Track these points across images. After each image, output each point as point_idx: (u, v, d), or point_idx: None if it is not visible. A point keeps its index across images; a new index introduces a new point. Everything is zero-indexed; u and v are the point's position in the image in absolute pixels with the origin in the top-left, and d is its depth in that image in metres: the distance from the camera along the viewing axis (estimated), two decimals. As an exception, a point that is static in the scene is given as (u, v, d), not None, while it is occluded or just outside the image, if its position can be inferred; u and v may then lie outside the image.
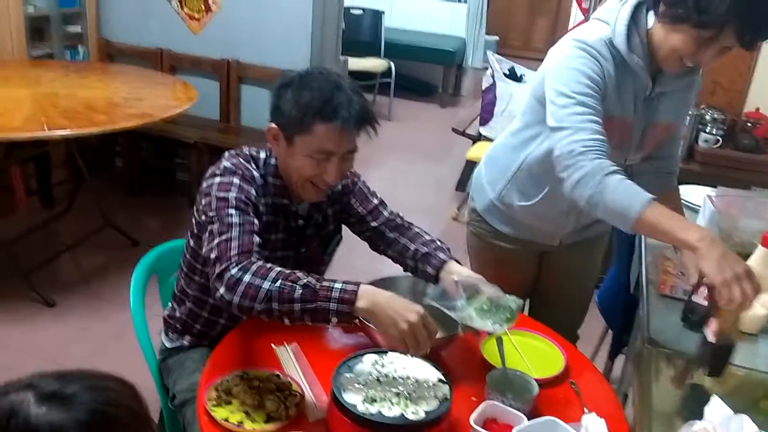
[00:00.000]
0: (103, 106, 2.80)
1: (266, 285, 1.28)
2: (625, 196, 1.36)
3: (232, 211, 1.40)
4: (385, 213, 1.68)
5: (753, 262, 1.30)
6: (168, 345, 1.69)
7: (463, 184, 4.48)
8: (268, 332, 1.52)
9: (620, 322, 2.07)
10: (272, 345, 1.49)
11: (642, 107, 1.58)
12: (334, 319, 1.27)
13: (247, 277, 1.29)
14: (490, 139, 3.96)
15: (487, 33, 7.11)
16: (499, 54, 5.03)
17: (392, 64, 5.83)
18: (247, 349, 1.49)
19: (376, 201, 1.69)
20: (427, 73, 6.51)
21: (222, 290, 1.30)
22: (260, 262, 1.33)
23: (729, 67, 3.12)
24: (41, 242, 3.30)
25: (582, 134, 1.42)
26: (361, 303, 1.26)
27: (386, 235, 1.66)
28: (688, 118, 1.85)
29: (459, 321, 1.41)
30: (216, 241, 1.36)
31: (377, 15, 5.86)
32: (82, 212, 3.47)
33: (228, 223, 1.38)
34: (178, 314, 1.67)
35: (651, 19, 1.49)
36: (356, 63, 5.58)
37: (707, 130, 2.92)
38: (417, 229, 1.67)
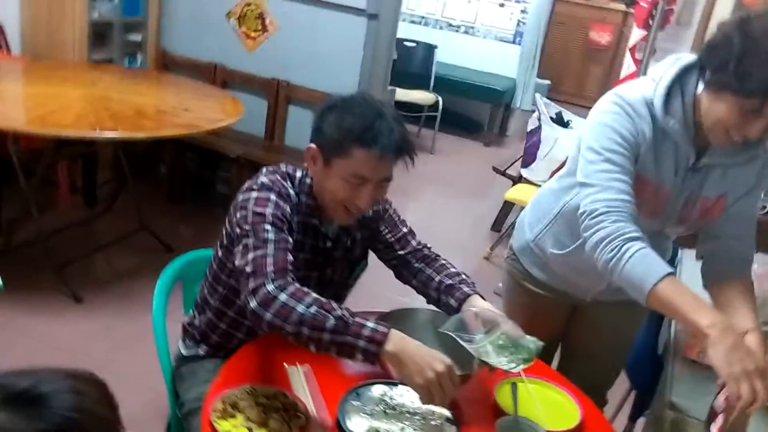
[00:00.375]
0: (152, 113, 2.88)
1: (300, 309, 1.28)
2: (642, 266, 1.31)
3: (268, 227, 1.41)
4: (413, 242, 1.68)
5: None
6: (184, 352, 1.70)
7: (499, 224, 4.43)
8: (282, 351, 1.51)
9: (645, 383, 2.00)
10: (285, 364, 1.48)
11: (684, 177, 1.49)
12: (360, 357, 1.26)
13: (283, 297, 1.29)
14: (530, 182, 3.92)
15: (540, 76, 7.11)
16: (550, 98, 5.00)
17: (440, 99, 5.87)
18: (259, 364, 1.48)
19: (405, 230, 1.69)
20: (475, 111, 6.53)
21: (254, 305, 1.30)
22: (297, 284, 1.34)
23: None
24: (78, 239, 3.38)
25: (607, 193, 1.38)
26: (389, 346, 1.25)
27: (412, 265, 1.66)
28: (759, 197, 1.56)
29: (474, 354, 1.38)
30: (251, 256, 1.37)
31: (430, 49, 5.92)
32: (122, 214, 3.55)
33: (264, 238, 1.39)
34: (197, 323, 1.67)
35: (700, 85, 1.41)
36: (404, 94, 5.63)
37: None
38: (444, 261, 1.66)
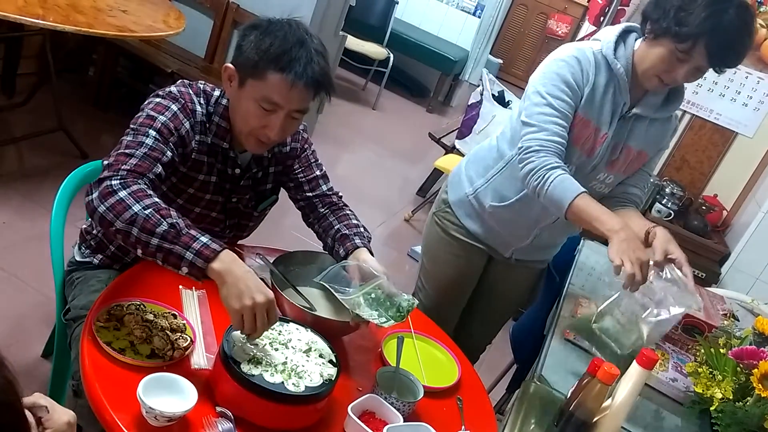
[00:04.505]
0: (86, 8, 2.71)
1: (136, 208, 1.24)
2: (562, 188, 1.57)
3: (152, 132, 1.38)
4: (324, 187, 1.68)
5: (625, 377, 1.26)
6: (78, 257, 1.66)
7: (425, 189, 4.49)
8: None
9: (526, 358, 2.11)
10: (180, 286, 1.47)
11: (617, 124, 1.72)
12: (185, 269, 1.22)
13: (122, 193, 1.26)
14: (461, 153, 3.98)
15: (493, 54, 7.15)
16: (499, 78, 5.02)
17: (392, 56, 5.82)
18: (153, 282, 1.46)
19: (318, 172, 1.69)
20: (424, 75, 6.51)
21: (94, 195, 1.27)
22: (143, 186, 1.29)
23: (701, 148, 3.20)
24: (-11, 127, 3.19)
25: (543, 134, 1.62)
26: (216, 264, 1.21)
27: (318, 209, 1.67)
28: (659, 157, 1.95)
29: (346, 305, 1.41)
30: (118, 151, 1.35)
31: (391, 3, 5.82)
32: (41, 110, 3.36)
33: (140, 141, 1.36)
34: (94, 231, 1.63)
35: (637, 43, 1.68)
36: (356, 44, 5.54)
37: (663, 202, 2.99)
38: (348, 212, 1.67)
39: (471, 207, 1.90)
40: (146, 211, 1.23)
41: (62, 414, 0.95)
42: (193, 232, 1.23)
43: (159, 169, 1.36)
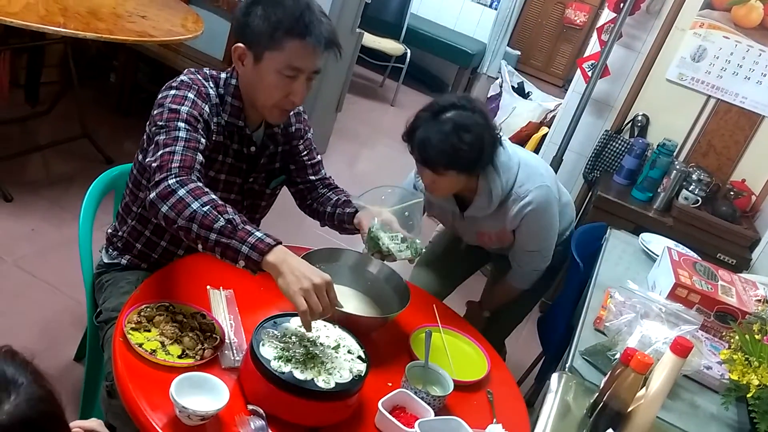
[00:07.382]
0: (106, 15, 2.74)
1: (195, 205, 1.28)
2: None
3: (181, 124, 1.41)
4: (323, 171, 1.76)
5: (659, 365, 1.23)
6: (105, 260, 1.68)
7: (446, 184, 4.47)
8: (207, 273, 1.51)
9: (554, 349, 2.09)
10: (208, 287, 1.48)
11: (461, 223, 1.95)
12: (242, 263, 1.27)
13: (181, 192, 1.30)
14: (482, 147, 3.95)
15: (511, 46, 7.09)
16: (518, 70, 4.98)
17: (409, 51, 5.80)
18: (182, 283, 1.48)
19: (318, 158, 1.76)
20: (441, 70, 6.48)
21: (153, 196, 1.32)
22: (199, 183, 1.34)
23: (727, 133, 3.14)
24: (15, 136, 3.24)
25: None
26: (271, 257, 1.25)
27: (318, 190, 1.73)
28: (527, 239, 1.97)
29: (370, 232, 1.51)
30: (160, 152, 1.37)
31: (406, -1, 5.80)
32: (64, 118, 3.41)
33: (175, 136, 1.39)
34: (120, 232, 1.65)
35: None
36: (373, 41, 5.53)
37: (690, 188, 2.94)
38: (343, 189, 1.76)
39: None
40: (204, 208, 1.28)
41: None
42: (248, 227, 1.28)
43: (200, 156, 1.40)
